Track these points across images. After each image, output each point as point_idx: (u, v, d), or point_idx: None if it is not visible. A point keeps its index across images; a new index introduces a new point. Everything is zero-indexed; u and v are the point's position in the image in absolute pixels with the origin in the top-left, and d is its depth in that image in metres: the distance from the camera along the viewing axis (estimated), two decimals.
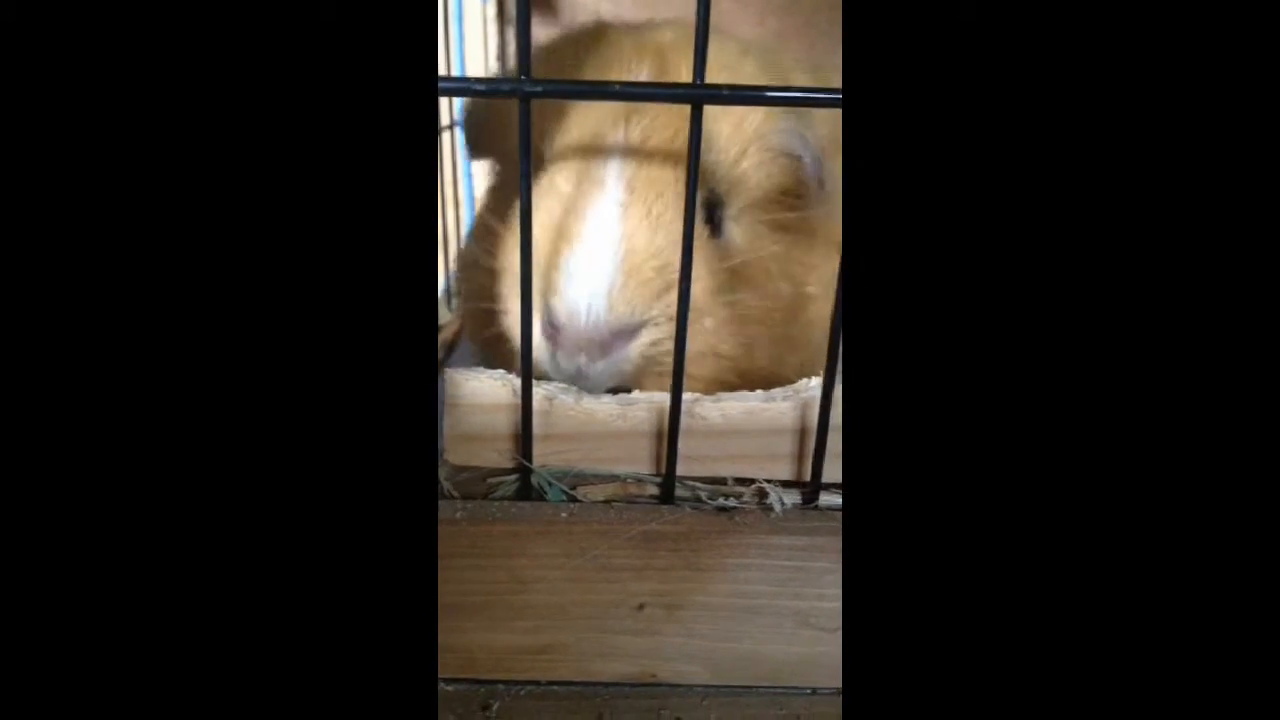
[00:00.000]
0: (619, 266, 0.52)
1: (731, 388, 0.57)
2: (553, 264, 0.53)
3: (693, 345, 0.52)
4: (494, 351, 0.62)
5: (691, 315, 0.51)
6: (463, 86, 0.46)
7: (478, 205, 1.06)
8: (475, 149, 0.73)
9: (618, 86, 0.45)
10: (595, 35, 0.65)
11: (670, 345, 0.53)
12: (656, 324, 0.54)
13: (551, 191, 0.56)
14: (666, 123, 0.56)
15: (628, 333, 0.54)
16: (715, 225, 0.59)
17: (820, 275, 0.63)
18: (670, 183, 0.54)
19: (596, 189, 0.53)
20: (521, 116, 0.44)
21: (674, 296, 0.51)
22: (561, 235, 0.54)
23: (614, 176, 0.53)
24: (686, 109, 0.50)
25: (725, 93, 0.45)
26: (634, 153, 0.54)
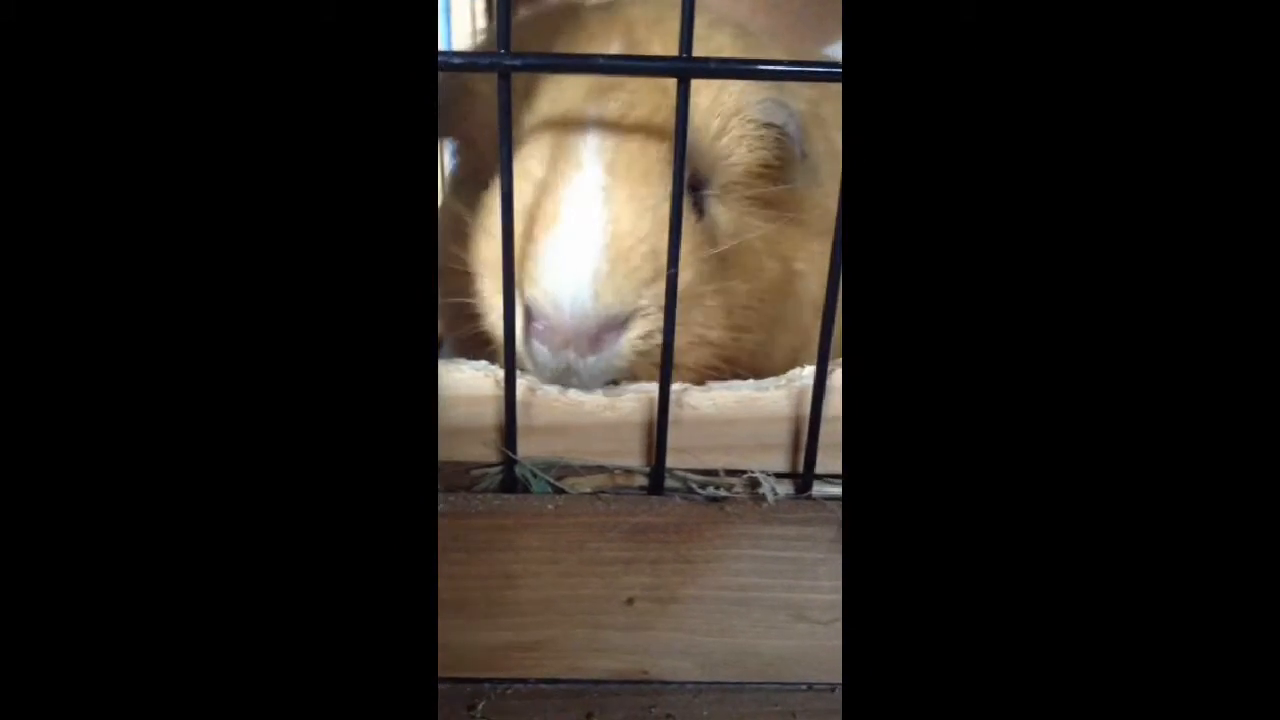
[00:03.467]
0: (604, 253, 0.49)
1: (721, 376, 0.55)
2: (529, 252, 0.49)
3: (682, 335, 0.50)
4: (477, 354, 0.59)
5: (680, 305, 0.49)
6: (439, 61, 0.44)
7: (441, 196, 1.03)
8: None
9: (602, 60, 0.44)
10: (565, 14, 0.62)
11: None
12: (646, 314, 0.51)
13: (524, 175, 0.51)
14: (646, 97, 0.52)
15: (617, 324, 0.50)
16: (699, 206, 0.56)
17: (808, 252, 0.61)
18: (654, 162, 0.51)
19: (573, 169, 0.49)
20: (501, 93, 0.43)
21: (663, 285, 0.48)
22: (538, 220, 0.50)
23: (592, 155, 0.50)
24: (665, 84, 0.47)
25: (713, 65, 0.44)
26: (612, 129, 0.51)
